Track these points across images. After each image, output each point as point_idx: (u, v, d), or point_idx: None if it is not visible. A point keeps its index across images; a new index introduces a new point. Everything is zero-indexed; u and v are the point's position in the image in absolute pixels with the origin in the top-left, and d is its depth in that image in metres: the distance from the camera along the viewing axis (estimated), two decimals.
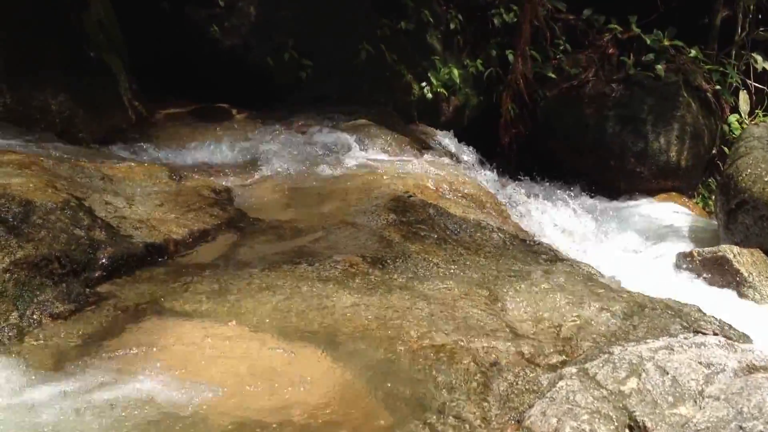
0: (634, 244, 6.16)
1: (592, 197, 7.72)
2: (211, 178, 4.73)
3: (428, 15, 7.52)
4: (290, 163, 5.19)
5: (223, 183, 4.67)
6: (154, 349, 2.43)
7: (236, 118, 6.64)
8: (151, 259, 3.32)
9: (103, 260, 3.06)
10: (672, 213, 7.45)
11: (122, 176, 4.09)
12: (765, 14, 8.73)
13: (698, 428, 1.76)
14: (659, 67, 7.80)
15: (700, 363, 2.03)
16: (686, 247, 5.82)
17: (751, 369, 2.03)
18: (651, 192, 7.94)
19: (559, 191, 7.50)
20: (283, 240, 3.71)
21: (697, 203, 8.09)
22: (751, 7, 8.47)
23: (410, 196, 4.37)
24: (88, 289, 2.88)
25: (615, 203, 7.73)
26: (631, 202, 7.80)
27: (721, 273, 5.03)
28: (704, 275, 5.13)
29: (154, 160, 5.03)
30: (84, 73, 5.47)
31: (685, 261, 5.34)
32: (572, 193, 7.60)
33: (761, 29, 8.56)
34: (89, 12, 5.72)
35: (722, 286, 4.99)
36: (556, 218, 5.95)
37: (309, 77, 7.02)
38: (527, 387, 2.27)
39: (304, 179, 4.90)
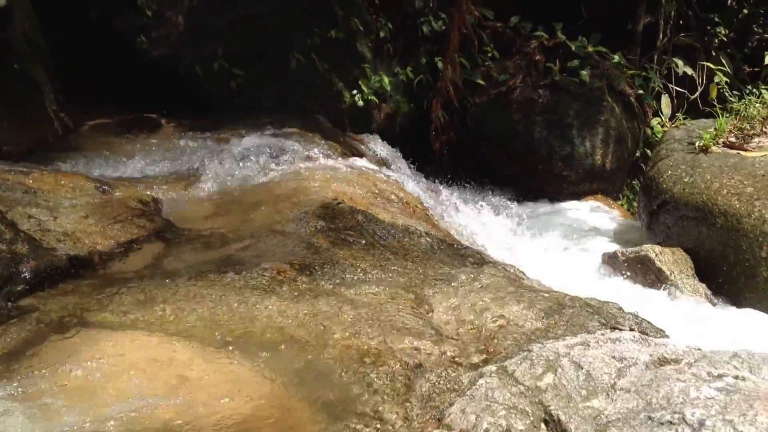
0: (561, 245, 6.29)
1: (521, 201, 7.85)
2: (139, 189, 4.69)
3: (358, 24, 7.57)
4: (220, 172, 5.18)
5: (151, 193, 4.63)
6: (71, 362, 2.40)
7: (166, 128, 6.59)
8: (75, 271, 3.30)
9: (26, 274, 3.04)
10: (598, 215, 7.63)
11: (47, 188, 4.05)
12: (686, 20, 9.00)
13: (609, 420, 1.83)
14: (584, 72, 7.99)
15: (614, 357, 2.10)
16: (611, 247, 5.96)
17: (662, 362, 2.10)
18: (578, 195, 8.10)
19: (489, 196, 7.62)
20: (210, 249, 3.71)
21: (622, 205, 8.27)
22: (672, 13, 8.72)
23: (339, 202, 4.40)
24: (10, 303, 2.86)
25: (543, 206, 7.88)
26: (559, 205, 7.95)
27: (644, 272, 5.17)
28: (628, 274, 5.27)
29: (81, 172, 4.97)
30: (8, 86, 5.39)
31: (609, 261, 5.47)
32: (502, 197, 7.72)
33: (682, 35, 8.83)
34: (13, 24, 5.63)
35: (645, 284, 5.13)
36: (486, 222, 6.05)
37: (240, 86, 7.01)
38: (449, 386, 2.33)
39: (233, 188, 4.90)
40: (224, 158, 5.50)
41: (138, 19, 6.89)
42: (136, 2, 6.81)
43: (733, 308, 4.91)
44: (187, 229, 4.08)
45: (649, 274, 5.15)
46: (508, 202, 7.62)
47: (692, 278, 5.11)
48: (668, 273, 5.07)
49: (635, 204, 7.31)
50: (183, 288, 3.09)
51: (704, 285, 5.05)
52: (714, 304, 4.93)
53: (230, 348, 2.58)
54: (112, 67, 6.61)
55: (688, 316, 4.64)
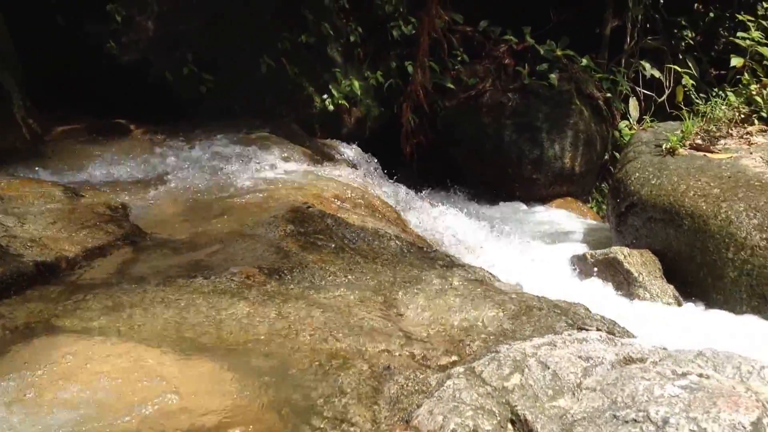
0: (531, 247, 6.31)
1: (491, 204, 7.91)
2: (108, 195, 4.66)
3: (328, 28, 7.58)
4: (189, 177, 5.16)
5: (120, 199, 4.61)
6: (36, 368, 2.37)
7: (135, 133, 6.55)
8: (42, 277, 3.26)
9: None
10: (567, 217, 7.69)
11: (14, 195, 4.02)
12: (653, 24, 9.11)
13: (575, 419, 1.84)
14: (553, 76, 8.06)
15: (580, 357, 2.12)
16: (580, 249, 5.99)
17: (628, 361, 2.12)
18: (547, 197, 8.17)
19: (459, 199, 7.66)
20: (179, 254, 3.69)
21: (591, 207, 8.35)
22: (639, 17, 8.82)
23: (309, 206, 4.40)
24: None
25: (513, 209, 7.94)
26: (529, 208, 8.02)
27: (613, 273, 5.20)
28: (597, 276, 5.30)
29: (49, 178, 4.94)
30: None
31: (579, 263, 5.51)
32: (472, 200, 7.78)
33: (649, 38, 8.93)
34: None
35: (614, 286, 5.16)
36: (456, 225, 6.05)
37: (210, 91, 6.98)
38: (417, 388, 2.33)
39: (203, 193, 4.88)
40: (194, 163, 5.49)
41: (107, 24, 6.83)
42: (105, 8, 6.76)
43: (701, 309, 4.95)
44: (155, 234, 4.05)
45: (618, 276, 5.18)
46: (479, 205, 7.67)
47: (660, 279, 5.15)
48: (636, 274, 5.10)
49: (604, 206, 7.38)
50: (151, 293, 3.07)
51: (672, 286, 5.09)
52: (682, 305, 4.98)
53: (198, 353, 2.57)
54: (82, 73, 6.55)
55: (655, 316, 4.68)
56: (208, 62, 6.94)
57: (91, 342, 2.57)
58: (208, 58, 6.95)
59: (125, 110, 6.67)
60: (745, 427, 1.66)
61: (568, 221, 7.53)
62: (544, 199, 8.19)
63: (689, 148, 5.84)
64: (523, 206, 8.09)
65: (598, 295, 5.00)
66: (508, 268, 5.02)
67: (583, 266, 5.45)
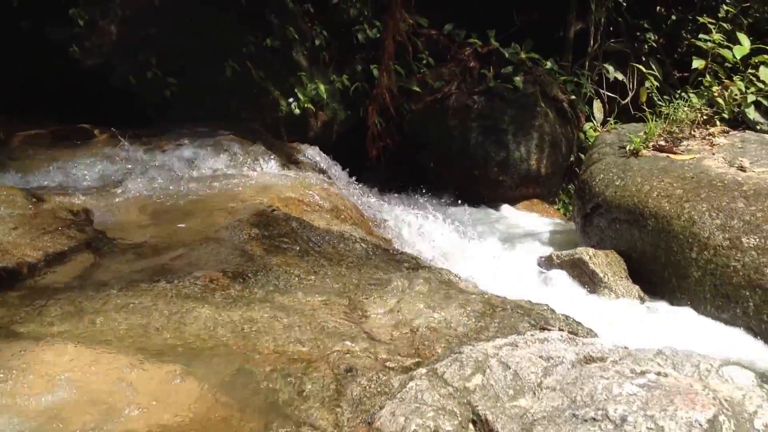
0: (498, 249, 6.34)
1: (458, 206, 7.92)
2: (70, 200, 4.61)
3: (293, 32, 7.56)
4: (153, 181, 5.11)
5: (83, 204, 4.55)
6: None
7: (99, 138, 6.47)
8: (3, 283, 3.21)
9: None
10: (534, 219, 7.74)
11: None
12: (616, 26, 9.20)
13: (535, 418, 1.85)
14: (517, 79, 8.11)
15: (541, 357, 2.13)
16: (547, 250, 6.02)
17: (588, 360, 2.13)
18: (514, 199, 8.21)
19: (426, 201, 7.66)
20: (142, 258, 3.66)
21: (558, 209, 8.40)
22: (602, 20, 8.90)
23: (274, 210, 4.38)
24: None
25: (480, 211, 7.96)
26: (496, 210, 8.06)
27: (579, 274, 5.24)
28: (563, 276, 5.33)
29: (11, 183, 4.87)
30: None
31: (545, 264, 5.54)
32: (439, 203, 7.79)
33: (612, 41, 9.02)
34: None
35: (579, 286, 5.20)
36: (423, 227, 6.06)
37: (175, 96, 6.93)
38: (379, 390, 2.32)
39: (167, 197, 4.84)
40: (158, 168, 5.44)
41: (70, 29, 6.76)
42: (68, 12, 6.69)
43: (666, 308, 4.99)
44: (119, 239, 4.01)
45: (584, 276, 5.22)
46: (446, 208, 7.69)
47: (625, 279, 5.19)
48: (602, 275, 5.14)
49: (571, 208, 7.43)
50: (114, 298, 3.04)
51: (637, 286, 5.13)
52: (647, 305, 5.02)
53: (160, 357, 2.54)
54: (46, 78, 6.48)
55: (620, 316, 4.71)
56: (172, 66, 6.89)
57: (53, 347, 2.53)
58: (173, 63, 6.90)
59: (89, 115, 6.59)
60: (701, 425, 1.68)
61: (535, 222, 7.58)
62: (511, 201, 8.24)
63: (653, 150, 5.90)
64: (490, 208, 8.12)
65: (563, 296, 5.04)
66: (475, 269, 5.03)
67: (549, 267, 5.48)
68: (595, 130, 8.39)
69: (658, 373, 1.93)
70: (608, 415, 1.75)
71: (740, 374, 2.01)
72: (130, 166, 5.50)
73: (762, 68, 6.19)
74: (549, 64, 8.49)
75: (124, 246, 3.90)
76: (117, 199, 4.88)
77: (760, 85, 6.15)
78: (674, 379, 1.90)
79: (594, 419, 1.75)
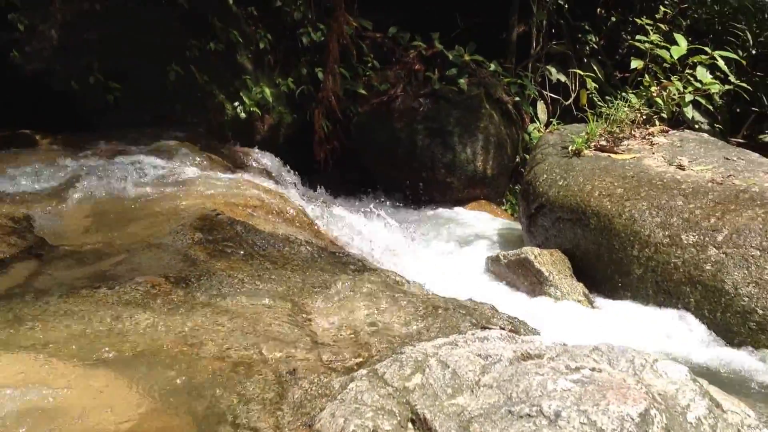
0: (446, 249, 6.40)
1: (407, 208, 7.97)
2: (11, 207, 4.52)
3: (237, 35, 7.52)
4: (96, 187, 5.04)
5: (24, 211, 4.47)
6: None
7: (41, 144, 6.37)
8: None
9: None
10: (482, 219, 7.80)
11: None
12: (558, 29, 9.32)
13: (472, 415, 1.87)
14: (462, 81, 8.17)
15: (479, 355, 2.15)
16: (494, 250, 6.08)
17: (525, 357, 2.16)
18: (462, 201, 8.27)
19: (375, 203, 7.67)
20: (84, 265, 3.61)
21: (506, 210, 8.48)
22: (544, 22, 9.02)
23: (218, 214, 4.36)
24: None
25: (428, 212, 8.01)
26: (444, 211, 8.10)
27: (525, 273, 5.30)
28: (510, 276, 5.39)
29: None
30: None
31: (492, 264, 5.59)
32: (388, 205, 7.81)
33: (554, 43, 9.13)
34: None
35: (526, 285, 5.26)
36: (371, 230, 6.07)
37: (118, 100, 6.86)
38: (321, 392, 2.33)
39: (110, 203, 4.78)
40: (100, 173, 5.35)
41: (10, 33, 6.65)
42: (7, 17, 6.58)
43: (609, 305, 5.07)
44: (60, 246, 3.95)
45: (530, 276, 5.27)
46: (394, 210, 7.72)
47: (570, 278, 5.26)
48: (547, 274, 5.20)
49: (518, 208, 7.50)
50: (54, 305, 3.00)
51: (582, 284, 5.19)
52: (591, 302, 5.09)
53: (101, 364, 2.52)
54: None
55: (565, 314, 4.78)
56: (115, 71, 6.82)
57: None
58: (115, 67, 6.83)
59: (31, 121, 6.50)
60: (632, 419, 1.71)
61: (483, 223, 7.63)
62: (459, 202, 8.30)
63: (594, 150, 5.99)
64: (439, 209, 8.17)
65: (510, 295, 5.10)
66: (423, 270, 5.06)
67: (496, 267, 5.54)
68: (539, 131, 8.49)
69: (593, 369, 1.97)
70: (543, 410, 1.77)
71: (674, 369, 2.05)
72: (72, 172, 5.41)
73: (699, 68, 6.32)
74: (493, 66, 8.58)
75: (65, 252, 3.84)
76: (59, 206, 4.80)
77: (698, 85, 6.28)
78: (608, 375, 1.93)
79: (529, 415, 1.78)
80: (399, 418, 1.93)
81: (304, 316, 3.14)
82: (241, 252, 3.92)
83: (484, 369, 2.07)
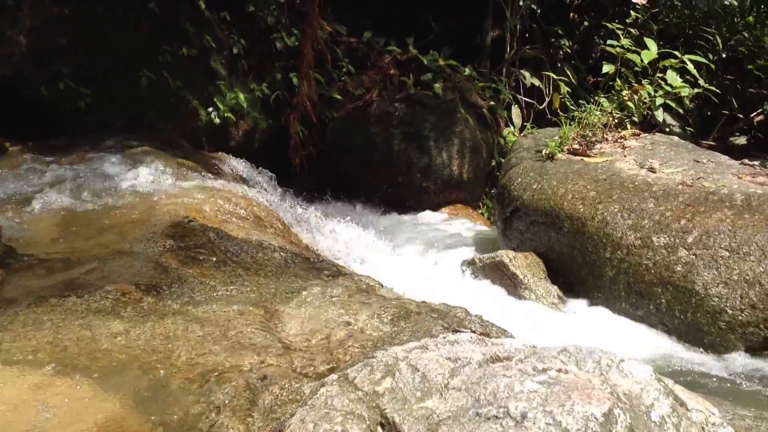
0: (422, 253, 6.41)
1: (383, 212, 7.99)
2: None
3: (210, 40, 7.49)
4: (67, 195, 5.00)
5: None
6: None
7: (10, 151, 6.31)
8: None
9: None
10: (458, 223, 7.84)
11: None
12: (531, 33, 9.37)
13: (441, 418, 1.88)
14: (437, 85, 8.20)
15: (449, 359, 2.16)
16: (470, 254, 6.11)
17: (494, 360, 2.17)
18: (438, 205, 8.30)
19: (351, 208, 7.70)
20: (53, 274, 3.58)
21: (482, 213, 8.51)
22: (518, 26, 9.07)
23: (190, 221, 4.34)
24: None
25: (405, 217, 8.04)
26: (420, 215, 8.13)
27: (500, 276, 5.33)
28: (485, 279, 5.42)
29: None
30: None
31: (468, 267, 5.62)
32: (364, 210, 7.83)
33: (528, 47, 9.18)
34: None
35: (501, 288, 5.29)
36: (347, 235, 6.09)
37: (89, 106, 6.81)
38: (291, 397, 2.33)
39: (80, 211, 4.74)
40: (71, 180, 5.32)
41: None
42: None
43: (584, 307, 5.12)
44: (29, 254, 3.91)
45: (505, 279, 5.31)
46: (371, 214, 7.74)
47: (545, 281, 5.30)
48: (522, 277, 5.24)
49: (494, 212, 7.54)
50: (22, 315, 2.98)
51: (556, 287, 5.24)
52: (565, 304, 5.13)
53: (71, 372, 2.51)
54: None
55: (539, 316, 4.82)
56: (85, 77, 6.76)
57: None
58: (86, 73, 6.77)
59: (0, 128, 6.43)
60: (597, 418, 1.73)
61: (459, 227, 7.67)
62: (435, 206, 8.33)
63: (567, 153, 6.04)
64: (415, 214, 8.20)
65: (486, 298, 5.12)
66: (398, 274, 5.08)
67: (472, 270, 5.57)
68: (514, 135, 8.54)
69: (559, 370, 1.98)
70: (509, 412, 1.78)
71: (639, 369, 2.06)
72: (42, 179, 5.37)
73: (669, 72, 6.40)
74: (467, 71, 8.61)
75: (34, 261, 3.81)
76: (29, 214, 4.76)
77: (668, 88, 6.35)
78: (574, 376, 1.95)
79: (496, 417, 1.79)
80: (368, 422, 1.94)
81: (277, 321, 3.14)
82: (214, 259, 3.91)
83: (453, 372, 2.08)
